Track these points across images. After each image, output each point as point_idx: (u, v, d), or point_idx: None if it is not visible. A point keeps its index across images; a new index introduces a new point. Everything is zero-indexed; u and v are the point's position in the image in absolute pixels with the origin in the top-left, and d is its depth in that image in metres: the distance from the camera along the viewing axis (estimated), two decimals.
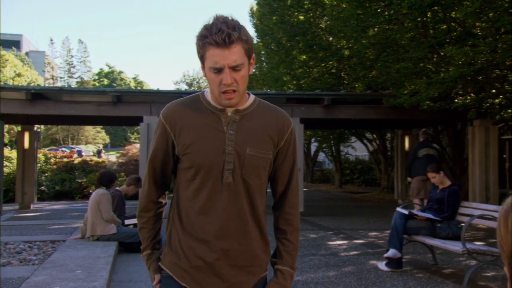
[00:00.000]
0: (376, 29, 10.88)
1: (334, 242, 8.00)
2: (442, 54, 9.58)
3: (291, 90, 14.16)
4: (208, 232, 1.66)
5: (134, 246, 6.49)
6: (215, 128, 1.70)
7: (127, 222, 6.83)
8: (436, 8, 9.26)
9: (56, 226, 8.76)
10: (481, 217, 5.33)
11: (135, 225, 6.63)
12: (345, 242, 8.04)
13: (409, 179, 9.65)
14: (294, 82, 16.18)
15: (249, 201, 1.72)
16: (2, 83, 22.57)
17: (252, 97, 1.79)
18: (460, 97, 10.48)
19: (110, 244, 6.15)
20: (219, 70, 1.60)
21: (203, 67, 1.67)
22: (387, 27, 10.37)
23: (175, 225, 1.74)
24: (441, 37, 9.21)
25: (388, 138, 19.63)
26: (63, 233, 7.30)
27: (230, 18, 1.61)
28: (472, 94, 10.35)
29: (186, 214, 1.70)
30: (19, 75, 34.59)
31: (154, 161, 1.78)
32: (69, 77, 49.50)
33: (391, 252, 5.68)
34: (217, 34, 1.55)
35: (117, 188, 7.08)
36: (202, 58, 1.64)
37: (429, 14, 9.59)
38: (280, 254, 1.79)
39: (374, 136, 19.35)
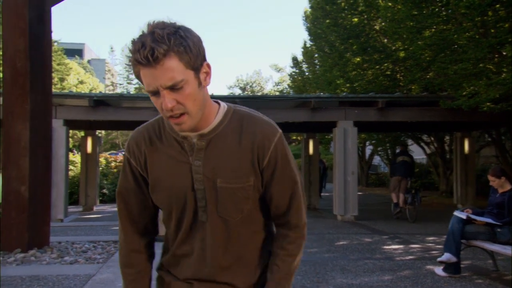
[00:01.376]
0: (432, 30, 10.65)
1: (390, 247, 7.89)
2: (504, 54, 9.26)
3: (344, 93, 14.08)
4: (189, 275, 1.48)
5: None
6: (179, 160, 1.43)
7: None
8: (497, 6, 8.96)
9: (118, 227, 9.19)
10: None
11: None
12: (400, 246, 7.92)
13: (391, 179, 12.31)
14: (348, 85, 16.06)
15: (234, 236, 1.46)
16: (66, 91, 23.75)
17: (223, 109, 1.45)
18: None
19: None
20: (155, 93, 1.29)
21: None
22: (444, 27, 10.13)
23: (164, 260, 1.55)
24: (501, 37, 8.89)
25: (447, 141, 19.06)
26: None
27: (161, 24, 1.28)
28: None
29: (172, 252, 1.52)
30: (81, 82, 36.25)
31: (126, 204, 1.52)
32: (128, 83, 51.41)
33: (445, 257, 5.57)
34: (139, 51, 1.24)
35: None
36: (138, 78, 1.32)
37: (490, 13, 9.29)
38: (266, 284, 1.50)
39: (432, 138, 18.84)
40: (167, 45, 1.24)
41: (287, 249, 1.49)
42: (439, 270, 5.76)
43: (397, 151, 12.75)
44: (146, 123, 1.51)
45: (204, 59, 1.33)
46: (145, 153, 1.46)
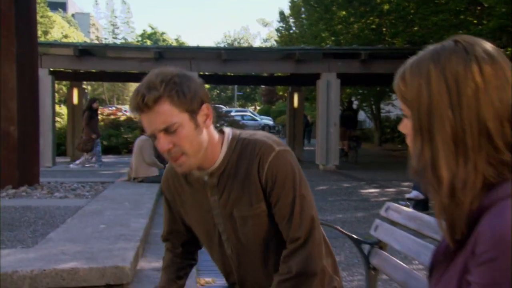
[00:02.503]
0: None
1: (366, 190, 8.30)
2: (486, 6, 9.42)
3: (328, 45, 14.22)
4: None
5: None
6: (200, 197, 1.54)
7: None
8: None
9: (106, 172, 9.46)
10: None
11: None
12: (377, 190, 8.33)
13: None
14: (333, 38, 16.15)
15: (264, 262, 1.53)
16: None
17: (227, 141, 1.49)
18: (501, 49, 10.29)
19: (154, 185, 6.68)
20: (154, 137, 1.38)
21: None
22: None
23: None
24: None
25: None
26: (112, 177, 7.93)
27: (158, 74, 1.37)
28: None
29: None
30: (66, 36, 35.67)
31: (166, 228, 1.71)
32: (113, 38, 50.60)
33: (413, 194, 5.96)
34: (134, 99, 1.35)
35: None
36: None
37: None
38: None
39: None
40: (158, 92, 1.31)
41: (285, 265, 1.44)
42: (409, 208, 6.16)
43: (346, 106, 15.99)
44: None
45: (202, 102, 1.39)
46: (175, 189, 1.59)
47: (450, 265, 0.97)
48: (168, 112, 1.33)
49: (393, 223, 2.02)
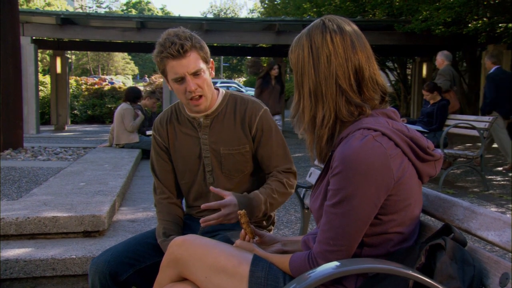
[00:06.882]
0: None
1: None
2: None
3: (308, 17, 14.40)
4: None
5: None
6: (191, 135, 1.90)
7: (148, 132, 7.64)
8: None
9: (88, 138, 9.72)
10: (456, 126, 5.91)
11: None
12: None
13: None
14: (315, 9, 16.30)
15: (238, 187, 1.91)
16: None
17: (222, 94, 1.92)
18: (473, 22, 10.61)
19: (134, 150, 6.99)
20: (181, 79, 1.74)
21: (167, 81, 1.82)
22: None
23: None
24: None
25: (410, 67, 19.70)
26: (94, 143, 8.21)
27: (181, 30, 1.75)
28: (484, 19, 10.47)
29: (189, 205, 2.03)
30: (49, 4, 35.13)
31: (153, 168, 2.01)
32: (97, 6, 49.95)
33: None
34: (170, 47, 1.69)
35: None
36: (163, 73, 1.79)
37: None
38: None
39: (396, 65, 19.44)
40: (190, 42, 1.72)
41: (281, 176, 1.88)
42: None
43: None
44: (166, 108, 2.01)
45: (210, 57, 1.83)
46: (167, 129, 1.94)
47: (321, 182, 1.35)
48: (197, 59, 1.74)
49: None
